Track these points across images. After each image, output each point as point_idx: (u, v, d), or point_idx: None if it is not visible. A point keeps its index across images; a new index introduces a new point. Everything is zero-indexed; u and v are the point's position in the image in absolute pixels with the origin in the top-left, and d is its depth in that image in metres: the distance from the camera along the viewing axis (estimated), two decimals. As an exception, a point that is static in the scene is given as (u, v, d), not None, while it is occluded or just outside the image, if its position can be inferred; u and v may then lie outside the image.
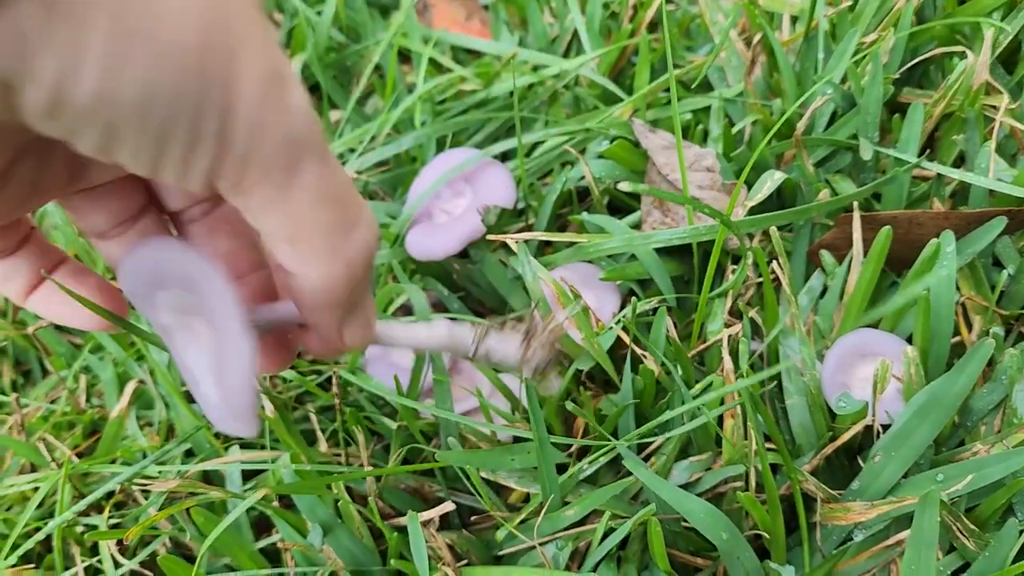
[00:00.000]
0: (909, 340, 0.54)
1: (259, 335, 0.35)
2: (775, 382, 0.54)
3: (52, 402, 0.71)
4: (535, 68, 0.76)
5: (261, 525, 0.59)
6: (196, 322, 0.34)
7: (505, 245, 0.62)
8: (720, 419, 0.52)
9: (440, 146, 0.72)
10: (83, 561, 0.57)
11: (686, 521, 0.48)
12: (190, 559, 0.56)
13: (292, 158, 0.28)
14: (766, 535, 0.48)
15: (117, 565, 0.56)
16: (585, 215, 0.61)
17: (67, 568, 0.57)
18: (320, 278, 0.31)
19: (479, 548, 0.52)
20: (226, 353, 0.31)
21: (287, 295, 0.35)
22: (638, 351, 0.53)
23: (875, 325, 0.55)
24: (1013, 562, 0.44)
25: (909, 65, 0.64)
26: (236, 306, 0.30)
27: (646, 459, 0.53)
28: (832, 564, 0.48)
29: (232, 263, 0.38)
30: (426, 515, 0.50)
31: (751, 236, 0.59)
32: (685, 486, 0.50)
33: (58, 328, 0.74)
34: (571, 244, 0.59)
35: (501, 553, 0.52)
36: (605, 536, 0.48)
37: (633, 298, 0.53)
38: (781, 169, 0.63)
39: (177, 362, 0.36)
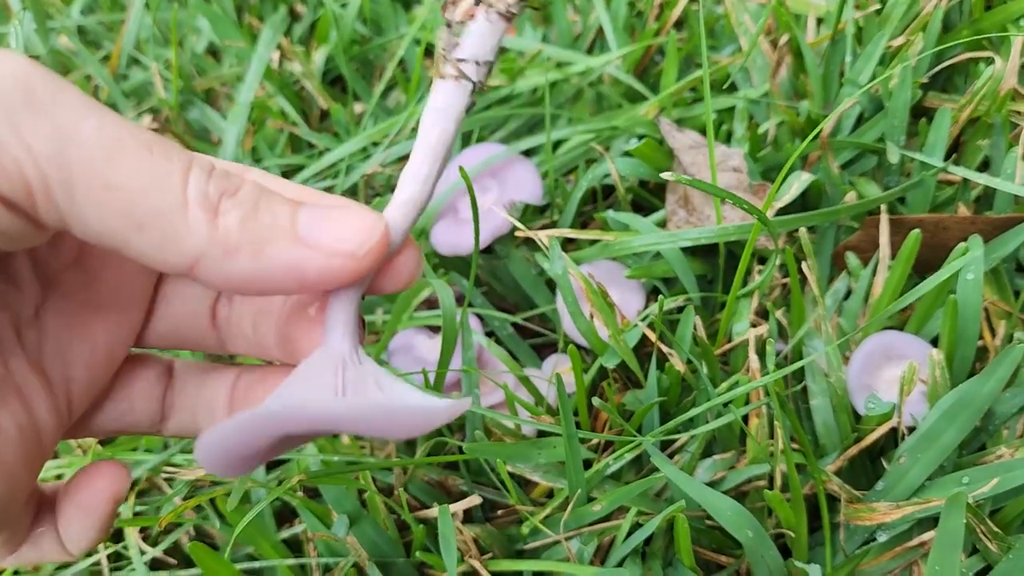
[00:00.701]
0: (933, 343, 0.54)
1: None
2: (800, 383, 0.54)
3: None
4: (559, 65, 0.76)
5: (283, 515, 0.59)
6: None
7: (529, 241, 0.63)
8: (745, 419, 0.52)
9: (463, 141, 0.72)
10: (105, 548, 0.57)
11: (711, 519, 0.48)
12: (212, 547, 0.57)
13: (33, 113, 0.22)
14: (790, 534, 0.48)
15: (141, 552, 0.56)
16: (610, 212, 0.62)
17: (88, 555, 0.57)
18: (196, 230, 0.24)
19: (502, 542, 0.52)
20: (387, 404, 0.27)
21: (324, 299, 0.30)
22: (664, 349, 0.53)
23: (899, 327, 0.56)
24: (1037, 565, 0.45)
25: (935, 70, 0.64)
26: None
27: (670, 456, 0.53)
28: (855, 564, 0.48)
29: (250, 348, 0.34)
30: (453, 507, 0.50)
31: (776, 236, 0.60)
32: (709, 484, 0.50)
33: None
34: (594, 241, 0.59)
35: (524, 548, 0.52)
36: (630, 532, 0.49)
37: (660, 296, 0.53)
38: (806, 170, 0.63)
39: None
